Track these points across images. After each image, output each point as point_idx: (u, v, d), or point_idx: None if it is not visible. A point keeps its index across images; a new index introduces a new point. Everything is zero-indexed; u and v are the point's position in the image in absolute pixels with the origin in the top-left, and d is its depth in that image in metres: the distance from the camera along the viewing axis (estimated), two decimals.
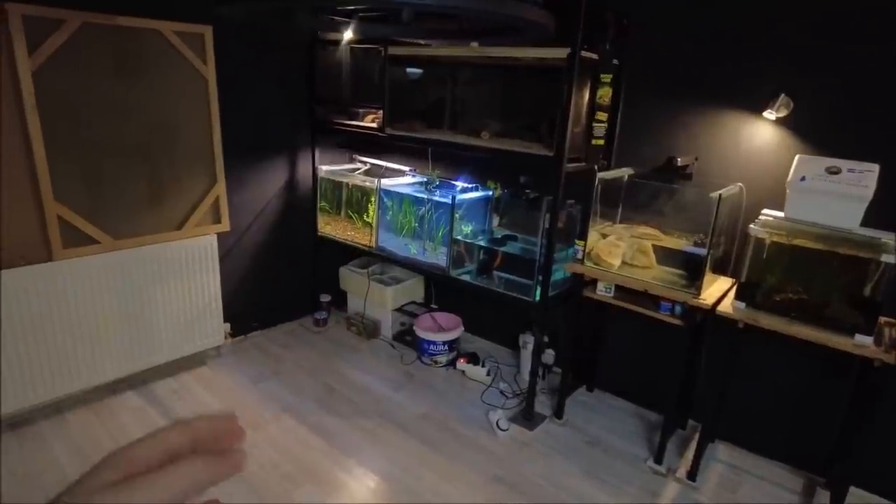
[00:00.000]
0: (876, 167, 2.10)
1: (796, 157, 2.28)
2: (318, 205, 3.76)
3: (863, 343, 2.06)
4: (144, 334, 3.01)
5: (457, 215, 3.10)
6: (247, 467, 0.39)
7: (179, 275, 3.08)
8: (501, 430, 2.79)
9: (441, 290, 3.88)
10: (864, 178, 2.10)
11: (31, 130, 2.46)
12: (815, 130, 2.38)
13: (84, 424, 2.68)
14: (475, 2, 0.76)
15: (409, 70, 3.26)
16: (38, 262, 2.57)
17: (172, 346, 3.14)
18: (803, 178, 2.21)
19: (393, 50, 3.13)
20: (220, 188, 3.19)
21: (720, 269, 2.65)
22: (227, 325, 3.42)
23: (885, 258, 2.01)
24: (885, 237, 2.10)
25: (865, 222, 2.13)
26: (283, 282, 3.77)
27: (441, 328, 3.50)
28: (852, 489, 2.49)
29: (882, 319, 2.18)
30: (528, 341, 3.19)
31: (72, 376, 2.77)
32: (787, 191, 2.25)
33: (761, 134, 2.51)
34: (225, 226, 3.26)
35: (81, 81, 2.58)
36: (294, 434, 2.72)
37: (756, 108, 2.47)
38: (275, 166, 3.55)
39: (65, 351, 2.72)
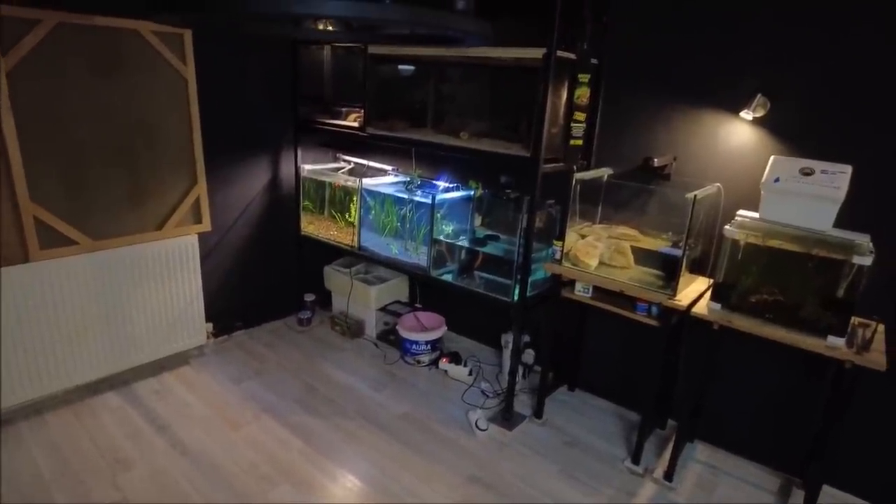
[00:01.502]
0: (849, 168, 2.10)
1: (771, 158, 2.28)
2: (302, 204, 3.76)
3: (835, 344, 2.06)
4: (125, 334, 3.01)
5: (438, 215, 3.10)
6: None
7: (160, 275, 3.08)
8: (480, 430, 2.80)
9: (425, 289, 3.88)
10: (836, 179, 2.09)
11: (6, 132, 2.45)
12: (792, 131, 2.38)
13: (63, 425, 2.68)
14: (397, 13, 0.75)
15: (389, 69, 3.25)
16: (15, 263, 2.56)
17: (153, 347, 3.14)
18: (777, 180, 2.20)
19: (374, 49, 3.12)
20: (201, 188, 3.18)
21: (699, 270, 2.65)
22: (210, 325, 3.42)
23: (858, 260, 2.01)
24: (859, 238, 2.09)
25: (840, 224, 2.13)
26: (267, 281, 3.77)
27: (424, 328, 3.50)
28: (827, 489, 2.51)
29: (856, 320, 2.18)
30: (509, 341, 3.18)
31: (51, 377, 2.77)
32: (762, 192, 2.24)
33: (739, 134, 2.51)
34: (206, 226, 3.26)
35: (58, 82, 2.57)
36: (274, 434, 2.72)
37: (734, 109, 2.47)
38: (258, 165, 3.54)
39: (43, 351, 2.71)
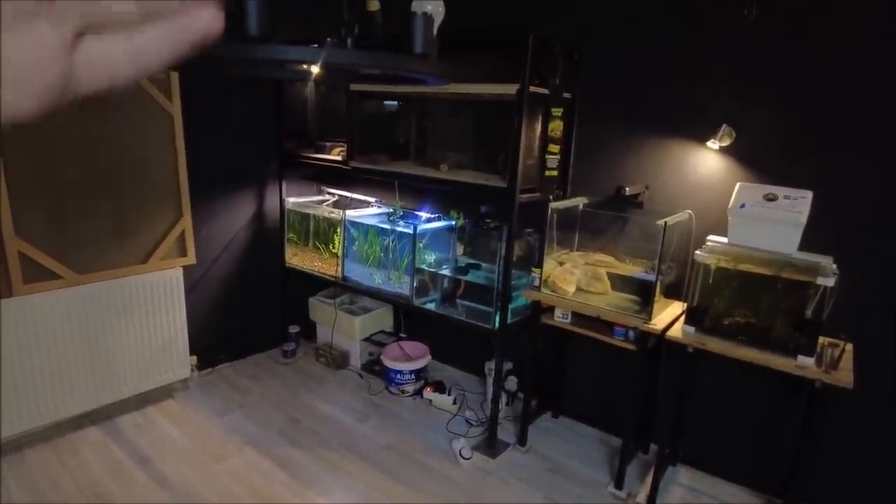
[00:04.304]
0: (809, 194, 2.19)
1: (737, 185, 2.37)
2: (286, 236, 3.80)
3: (804, 364, 2.12)
4: (108, 368, 3.00)
5: (420, 245, 3.16)
6: None
7: (144, 308, 3.09)
8: (464, 458, 2.80)
9: (410, 318, 3.91)
10: (798, 204, 2.19)
11: None
12: (757, 159, 2.48)
13: (42, 462, 2.65)
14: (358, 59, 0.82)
15: (372, 105, 3.35)
16: None
17: (137, 380, 3.13)
18: (743, 205, 2.29)
19: (356, 86, 3.22)
20: (186, 222, 3.22)
21: (674, 295, 2.71)
22: (194, 358, 3.41)
23: (822, 281, 2.09)
24: (823, 261, 2.18)
25: (807, 247, 2.21)
26: (252, 313, 3.78)
27: (409, 357, 3.52)
28: None
29: (825, 340, 2.24)
30: (492, 368, 3.21)
31: (31, 412, 2.75)
32: (729, 217, 2.33)
33: (707, 163, 2.61)
34: (191, 259, 3.29)
35: (45, 119, 2.63)
36: (257, 466, 2.71)
37: (702, 139, 2.57)
38: (243, 199, 3.60)
39: (24, 387, 2.70)
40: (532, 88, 2.50)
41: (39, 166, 2.65)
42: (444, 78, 1.00)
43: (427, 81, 1.09)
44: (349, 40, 0.82)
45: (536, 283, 2.73)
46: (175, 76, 3.02)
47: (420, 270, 3.20)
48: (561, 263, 2.80)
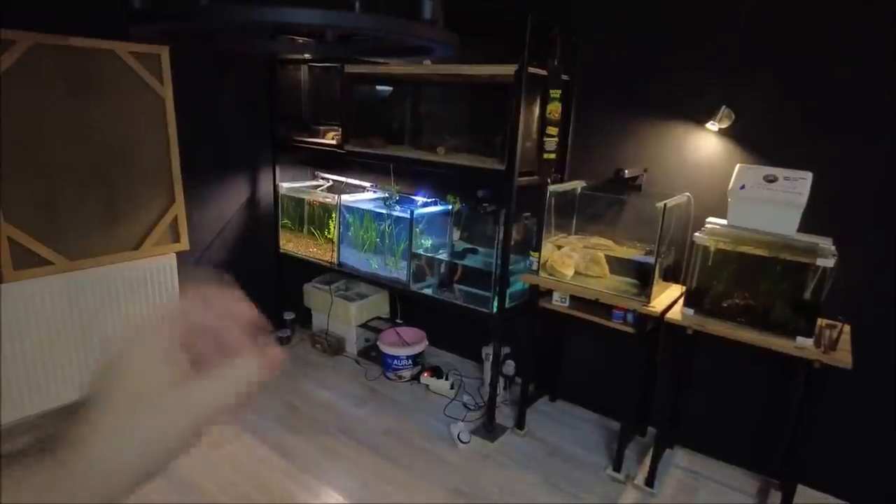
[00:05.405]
0: (809, 175, 2.18)
1: (737, 167, 2.36)
2: (280, 222, 3.76)
3: (803, 345, 2.13)
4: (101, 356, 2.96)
5: (416, 230, 3.13)
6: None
7: (138, 295, 3.05)
8: (462, 442, 2.80)
9: (406, 304, 3.90)
10: (798, 185, 2.18)
11: None
12: (756, 140, 2.47)
13: None
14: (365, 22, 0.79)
15: (366, 88, 3.31)
16: None
17: None
18: (743, 187, 2.28)
19: (350, 68, 3.17)
20: (179, 207, 3.17)
21: (672, 277, 2.71)
22: None
23: (821, 262, 2.09)
24: (822, 242, 2.17)
25: (805, 228, 2.21)
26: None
27: (405, 343, 3.50)
28: (809, 491, 2.55)
29: (823, 322, 2.25)
30: (490, 353, 3.20)
31: (23, 401, 2.71)
32: (729, 199, 2.32)
33: (706, 145, 2.59)
34: (184, 245, 3.24)
35: (33, 101, 2.57)
36: (254, 453, 2.69)
37: (701, 120, 2.55)
38: (236, 184, 3.55)
39: (16, 374, 2.66)
40: (530, 69, 2.47)
41: (29, 151, 2.59)
42: (450, 47, 0.97)
43: (433, 50, 1.06)
44: (356, 3, 0.79)
45: (534, 266, 2.71)
46: (166, 57, 2.96)
47: (417, 255, 3.17)
48: (559, 247, 2.79)
